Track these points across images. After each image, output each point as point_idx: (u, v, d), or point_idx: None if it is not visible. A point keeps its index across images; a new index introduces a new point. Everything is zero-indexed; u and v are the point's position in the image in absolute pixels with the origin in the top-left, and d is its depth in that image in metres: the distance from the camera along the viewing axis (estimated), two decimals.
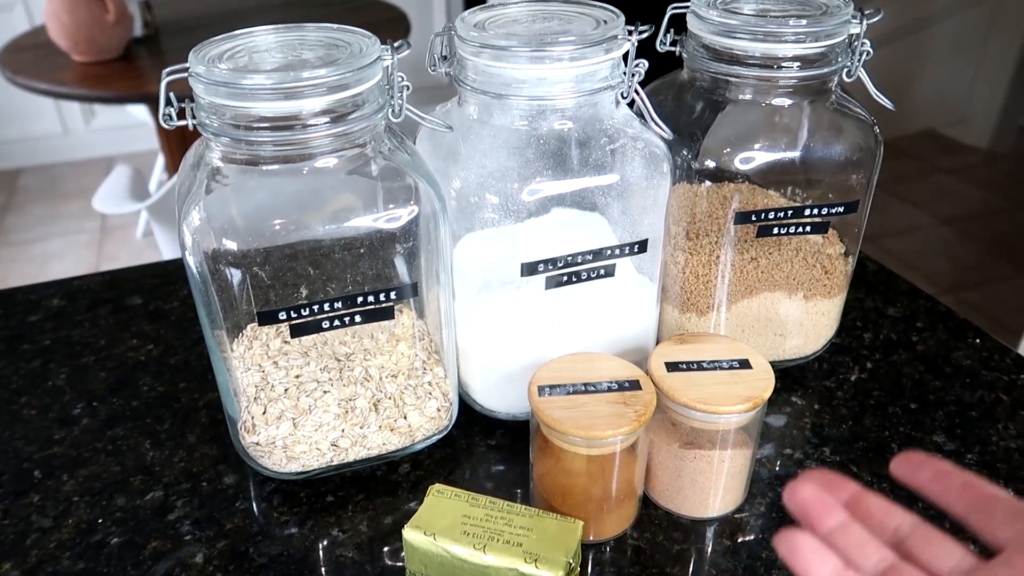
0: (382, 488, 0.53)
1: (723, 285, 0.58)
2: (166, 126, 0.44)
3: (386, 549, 0.48)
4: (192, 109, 0.44)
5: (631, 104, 0.52)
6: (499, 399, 0.56)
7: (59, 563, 0.48)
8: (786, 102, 0.54)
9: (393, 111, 0.47)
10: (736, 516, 0.51)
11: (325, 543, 0.49)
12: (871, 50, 0.53)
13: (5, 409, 0.60)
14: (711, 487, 0.49)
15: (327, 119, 0.43)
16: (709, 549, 0.49)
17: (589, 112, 0.50)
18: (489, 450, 0.56)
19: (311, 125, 0.43)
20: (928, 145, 2.61)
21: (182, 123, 0.44)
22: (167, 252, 1.77)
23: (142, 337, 0.67)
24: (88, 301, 0.72)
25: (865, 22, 0.52)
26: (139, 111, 2.25)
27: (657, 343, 0.60)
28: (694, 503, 0.50)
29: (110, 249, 2.30)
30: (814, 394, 0.61)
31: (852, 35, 0.52)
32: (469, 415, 0.57)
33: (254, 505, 0.52)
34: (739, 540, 0.49)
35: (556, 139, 0.49)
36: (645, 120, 0.51)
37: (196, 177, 0.46)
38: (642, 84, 0.51)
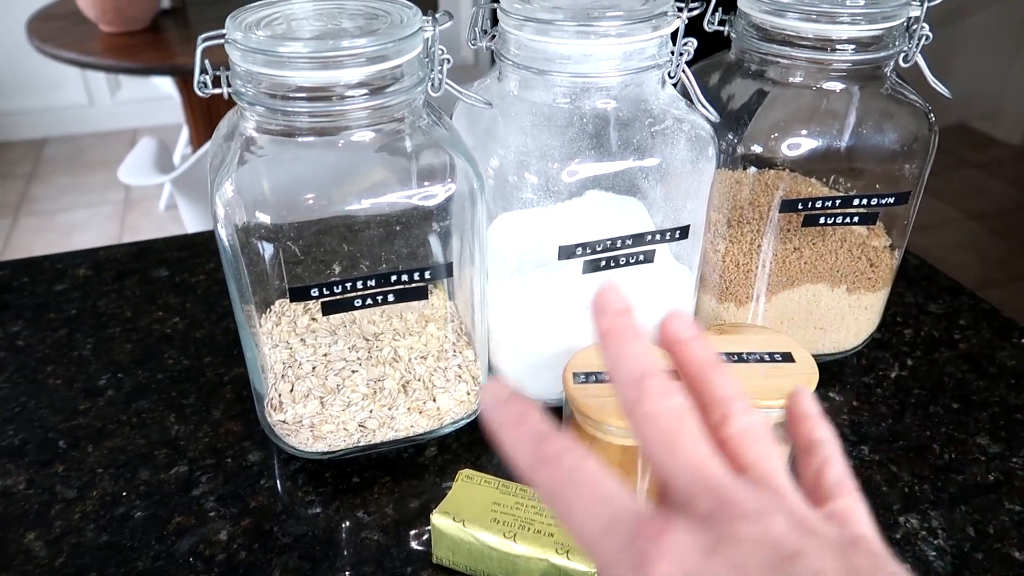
0: (408, 471, 0.52)
1: (763, 275, 0.56)
2: (201, 94, 0.43)
3: (412, 533, 0.48)
4: (227, 77, 0.43)
5: (675, 84, 0.50)
6: (529, 384, 0.55)
7: (83, 535, 0.47)
8: (838, 87, 0.52)
9: (432, 85, 0.45)
10: None
11: (350, 525, 0.48)
12: (930, 34, 0.50)
13: (31, 378, 0.59)
14: None
15: (365, 91, 0.42)
16: None
17: (634, 91, 0.48)
18: None
19: (348, 96, 0.41)
20: (957, 139, 2.54)
21: (216, 91, 0.43)
22: (190, 225, 1.77)
23: (168, 310, 0.67)
24: (114, 272, 0.72)
25: (925, 4, 0.49)
26: (164, 83, 2.25)
27: None
28: None
29: (133, 221, 2.31)
30: (852, 390, 0.59)
31: (911, 18, 0.50)
32: None
33: (278, 484, 0.51)
34: None
35: (599, 118, 0.47)
36: (691, 102, 0.49)
37: (229, 148, 0.45)
38: (688, 64, 0.49)
